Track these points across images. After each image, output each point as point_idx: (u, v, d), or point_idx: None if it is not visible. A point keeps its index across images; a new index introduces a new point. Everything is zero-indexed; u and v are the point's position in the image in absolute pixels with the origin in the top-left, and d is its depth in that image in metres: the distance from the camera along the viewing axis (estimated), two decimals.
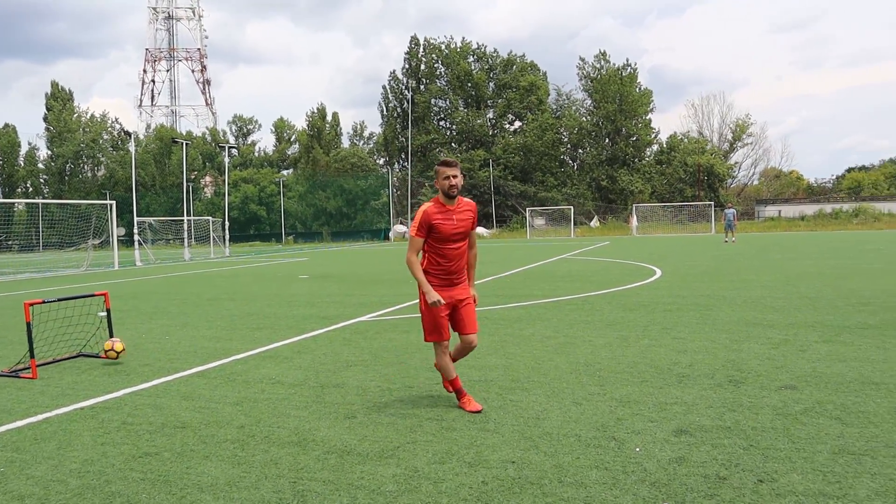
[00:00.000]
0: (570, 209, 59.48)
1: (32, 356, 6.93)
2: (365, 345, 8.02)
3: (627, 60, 72.66)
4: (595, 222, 64.36)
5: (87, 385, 6.45)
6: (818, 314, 9.18)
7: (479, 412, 5.00)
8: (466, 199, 5.18)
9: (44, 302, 7.50)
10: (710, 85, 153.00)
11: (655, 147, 73.64)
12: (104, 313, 8.05)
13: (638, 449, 4.14)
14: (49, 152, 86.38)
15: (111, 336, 7.86)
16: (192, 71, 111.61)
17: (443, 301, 4.93)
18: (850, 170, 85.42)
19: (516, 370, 6.37)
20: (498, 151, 71.01)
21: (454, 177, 4.93)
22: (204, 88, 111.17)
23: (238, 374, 6.67)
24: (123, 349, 7.38)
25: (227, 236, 41.69)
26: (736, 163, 76.92)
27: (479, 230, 61.27)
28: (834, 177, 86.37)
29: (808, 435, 4.31)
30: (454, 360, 5.35)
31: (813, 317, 8.97)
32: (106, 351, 7.32)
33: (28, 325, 7.00)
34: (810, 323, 8.51)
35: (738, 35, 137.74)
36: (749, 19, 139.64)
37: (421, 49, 77.07)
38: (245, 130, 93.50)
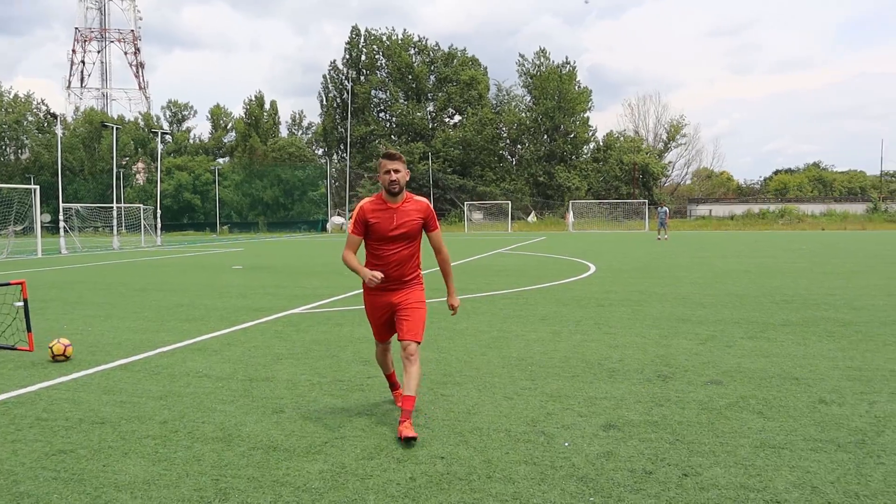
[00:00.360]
0: (507, 204, 59.94)
1: None
2: (297, 337, 7.88)
3: (567, 58, 73.76)
4: (532, 218, 65.01)
5: (0, 379, 6.16)
6: (744, 311, 9.43)
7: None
8: (418, 198, 4.67)
9: None
10: (646, 85, 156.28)
11: (592, 145, 74.84)
12: (20, 303, 7.70)
13: (567, 444, 4.15)
14: None
15: (28, 329, 7.52)
16: (125, 53, 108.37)
17: (378, 277, 4.42)
18: (777, 172, 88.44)
19: (448, 364, 6.34)
20: (437, 145, 70.99)
21: (396, 171, 4.45)
22: (137, 72, 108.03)
23: (163, 367, 6.46)
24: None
25: (159, 225, 40.63)
26: (670, 162, 78.88)
27: None
28: (762, 178, 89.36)
29: (731, 429, 4.40)
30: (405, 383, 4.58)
31: (739, 314, 9.21)
32: (56, 355, 6.81)
33: None
34: (736, 319, 8.73)
35: (674, 38, 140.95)
36: (685, 24, 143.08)
37: (362, 40, 76.43)
38: (180, 116, 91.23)
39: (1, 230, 32.99)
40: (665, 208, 36.28)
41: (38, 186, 29.27)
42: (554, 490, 3.47)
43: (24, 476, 3.81)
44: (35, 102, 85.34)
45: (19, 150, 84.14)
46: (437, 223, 4.74)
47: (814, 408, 4.86)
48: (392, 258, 4.57)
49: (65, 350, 6.85)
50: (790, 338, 7.49)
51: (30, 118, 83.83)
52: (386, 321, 4.74)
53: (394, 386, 5.13)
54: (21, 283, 7.73)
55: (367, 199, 4.64)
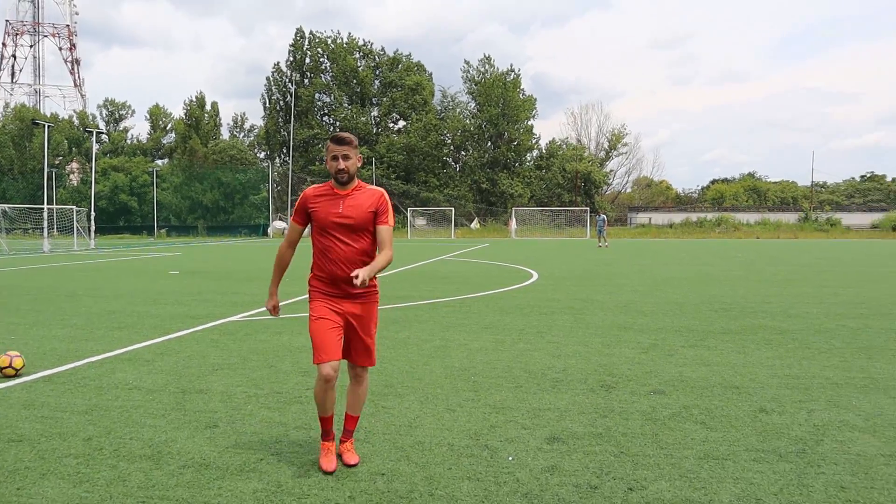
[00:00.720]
0: (451, 210, 60.01)
1: None
2: (234, 346, 7.63)
3: (511, 66, 74.26)
4: (475, 224, 65.25)
5: None
6: (684, 319, 9.53)
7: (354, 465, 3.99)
8: (372, 188, 4.02)
9: None
10: (589, 95, 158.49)
11: (536, 152, 75.54)
12: None
13: (511, 458, 4.06)
14: None
15: None
16: (60, 49, 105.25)
17: (274, 309, 4.21)
18: (714, 181, 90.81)
19: (390, 375, 6.19)
20: (381, 150, 70.70)
21: (345, 157, 3.84)
22: (73, 68, 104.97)
23: (91, 378, 6.15)
24: (23, 365, 6.30)
25: (93, 227, 39.35)
26: (611, 170, 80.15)
27: None
28: (699, 187, 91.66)
29: (675, 440, 4.37)
30: (348, 403, 4.18)
31: (680, 322, 9.30)
32: (2, 368, 6.18)
33: None
34: (677, 328, 8.80)
35: (616, 49, 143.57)
36: (627, 35, 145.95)
37: (306, 42, 75.67)
38: (117, 116, 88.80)
39: None
40: (603, 216, 36.92)
41: None
42: None
43: None
44: None
45: None
46: (391, 219, 3.99)
47: (755, 417, 4.88)
48: (340, 253, 3.88)
49: (11, 362, 6.20)
50: (730, 346, 7.57)
51: None
52: (335, 334, 3.89)
53: (327, 434, 4.03)
54: None
55: (313, 186, 4.08)
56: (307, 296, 4.09)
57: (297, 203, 4.09)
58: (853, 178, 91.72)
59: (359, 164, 3.95)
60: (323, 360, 3.80)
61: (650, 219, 69.96)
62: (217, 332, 8.62)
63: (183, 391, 5.66)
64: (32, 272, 19.25)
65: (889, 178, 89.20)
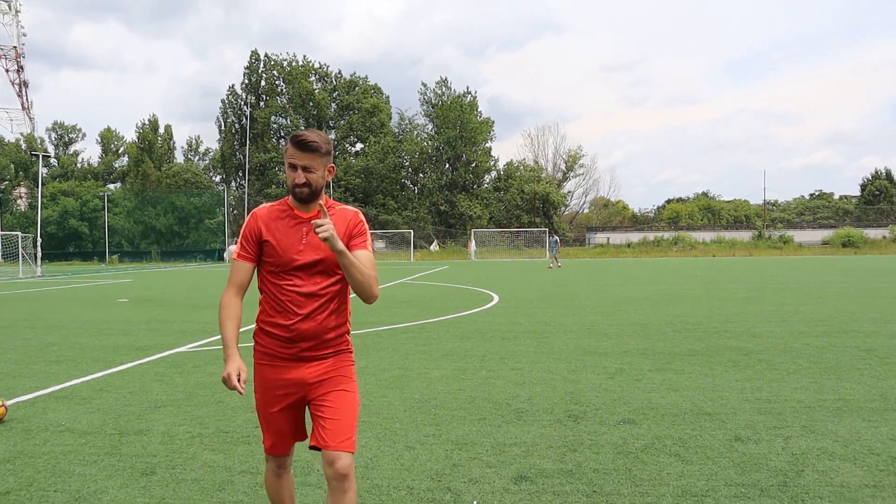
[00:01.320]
0: (410, 233, 59.68)
1: None
2: (180, 380, 7.18)
3: (468, 88, 74.59)
4: (434, 246, 64.98)
5: None
6: (649, 341, 9.33)
7: None
8: (344, 207, 2.97)
9: None
10: (545, 116, 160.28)
11: (494, 174, 75.75)
12: None
13: (475, 502, 3.73)
14: None
15: None
16: (7, 70, 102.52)
17: (238, 385, 2.70)
18: (669, 201, 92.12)
19: None
20: (339, 173, 70.18)
21: (305, 168, 2.75)
22: (20, 90, 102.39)
23: (19, 420, 5.67)
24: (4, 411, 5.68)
25: (40, 254, 38.07)
26: (569, 191, 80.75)
27: None
28: (655, 207, 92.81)
29: (650, 476, 4.09)
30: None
31: (644, 343, 9.10)
32: None
33: None
34: (642, 350, 8.59)
35: (571, 72, 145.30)
36: (581, 58, 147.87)
37: (262, 65, 75.05)
38: (66, 139, 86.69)
39: None
40: (556, 237, 36.93)
41: None
42: None
43: None
44: None
45: None
46: (369, 244, 2.91)
47: (731, 447, 4.64)
48: (305, 300, 2.80)
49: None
50: (697, 368, 7.37)
51: None
52: (288, 416, 2.91)
53: None
54: None
55: (264, 205, 2.96)
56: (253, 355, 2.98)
57: (243, 229, 2.90)
58: (803, 196, 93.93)
59: (328, 178, 2.85)
60: (275, 452, 2.96)
61: (608, 239, 70.51)
62: (163, 365, 8.15)
63: (120, 433, 5.22)
64: None
65: (836, 196, 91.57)
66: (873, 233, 64.15)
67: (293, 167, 2.75)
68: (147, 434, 5.17)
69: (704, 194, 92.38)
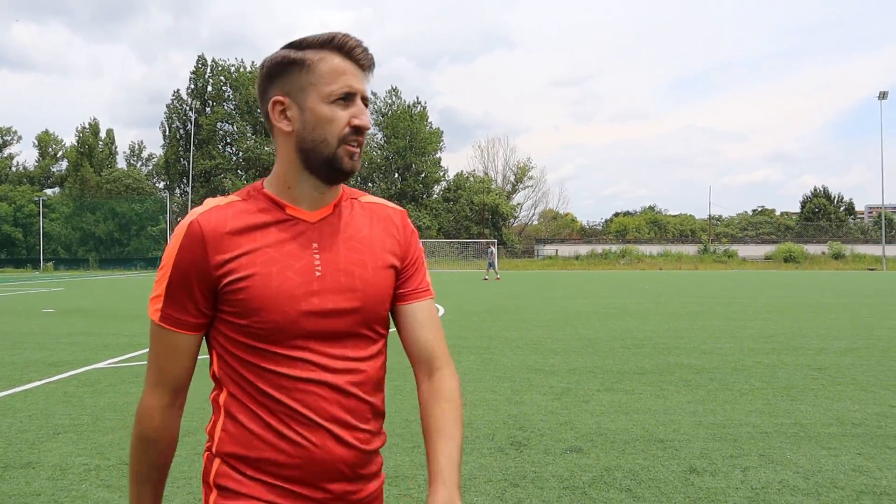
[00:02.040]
0: None
1: None
2: (89, 401, 6.53)
3: (418, 98, 74.35)
4: None
5: None
6: (597, 358, 8.97)
7: None
8: (374, 198, 1.51)
9: None
10: (495, 129, 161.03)
11: (444, 184, 75.51)
12: None
13: None
14: None
15: None
16: None
17: None
18: (616, 214, 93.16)
19: None
20: None
21: (366, 103, 1.38)
22: None
23: None
24: None
25: None
26: (518, 203, 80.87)
27: None
28: (603, 220, 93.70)
29: None
30: None
31: (592, 361, 8.73)
32: None
33: None
34: (590, 368, 8.21)
35: (521, 85, 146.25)
36: (532, 73, 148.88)
37: (209, 70, 73.52)
38: (0, 141, 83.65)
39: None
40: (492, 249, 36.39)
41: None
42: None
43: None
44: None
45: None
46: (430, 282, 1.62)
47: (686, 480, 4.25)
48: (327, 401, 1.34)
49: None
50: (648, 388, 7.01)
51: None
52: None
53: None
54: None
55: (211, 203, 1.39)
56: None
57: (171, 259, 1.37)
58: (746, 212, 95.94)
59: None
60: None
61: (557, 250, 70.80)
62: (75, 383, 7.47)
63: (4, 466, 4.59)
64: None
65: (778, 212, 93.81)
66: (813, 248, 65.77)
67: (346, 98, 1.35)
68: (35, 467, 4.55)
69: (651, 208, 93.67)
